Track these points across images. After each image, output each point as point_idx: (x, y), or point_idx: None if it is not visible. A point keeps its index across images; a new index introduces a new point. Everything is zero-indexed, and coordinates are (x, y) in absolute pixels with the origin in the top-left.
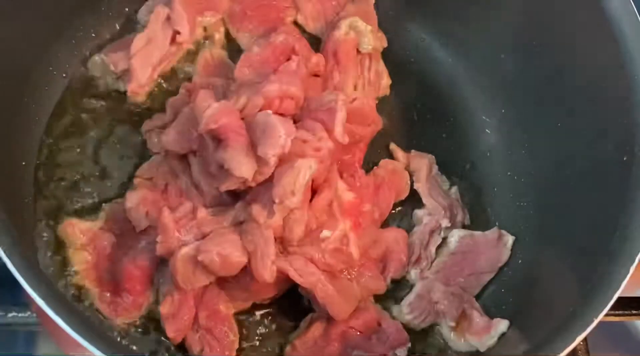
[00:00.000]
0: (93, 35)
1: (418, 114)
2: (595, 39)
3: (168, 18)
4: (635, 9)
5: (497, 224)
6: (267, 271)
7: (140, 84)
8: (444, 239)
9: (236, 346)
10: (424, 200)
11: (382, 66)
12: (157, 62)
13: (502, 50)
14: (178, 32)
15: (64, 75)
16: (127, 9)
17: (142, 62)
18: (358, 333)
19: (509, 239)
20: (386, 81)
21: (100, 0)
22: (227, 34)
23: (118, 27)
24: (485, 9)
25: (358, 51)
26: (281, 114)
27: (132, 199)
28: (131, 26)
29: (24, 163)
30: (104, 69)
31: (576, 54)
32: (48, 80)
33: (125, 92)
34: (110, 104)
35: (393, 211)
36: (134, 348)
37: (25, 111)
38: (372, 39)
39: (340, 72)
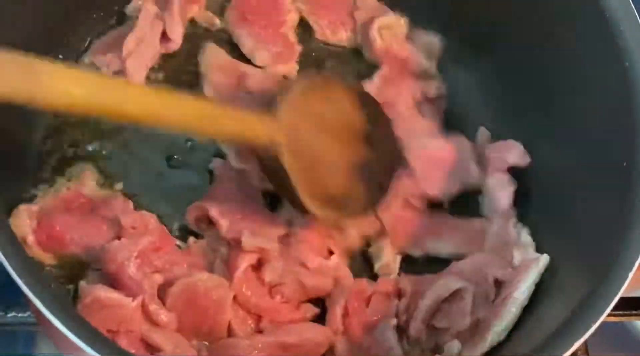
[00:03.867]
0: (90, 35)
1: None
2: (595, 40)
3: (156, 15)
4: (635, 10)
5: None
6: None
7: None
8: None
9: None
10: None
11: None
12: (150, 62)
13: (501, 50)
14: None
15: None
16: (116, 7)
17: (136, 64)
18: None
19: None
20: None
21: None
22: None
23: (111, 26)
24: (484, 10)
25: None
26: None
27: None
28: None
29: (23, 162)
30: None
31: (575, 54)
32: None
33: None
34: None
35: None
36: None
37: (25, 111)
38: None
39: None
